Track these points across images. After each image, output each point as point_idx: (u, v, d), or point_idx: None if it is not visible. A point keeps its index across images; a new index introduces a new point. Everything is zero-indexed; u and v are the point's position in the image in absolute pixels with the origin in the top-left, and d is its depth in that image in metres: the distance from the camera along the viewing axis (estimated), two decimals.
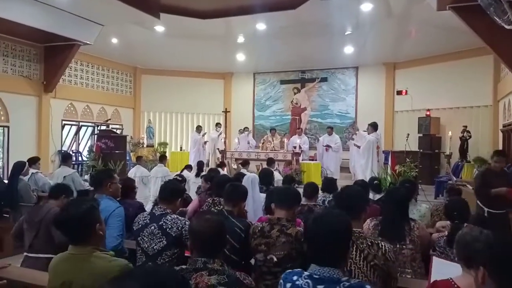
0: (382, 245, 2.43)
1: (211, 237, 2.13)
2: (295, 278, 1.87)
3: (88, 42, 11.18)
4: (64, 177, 6.97)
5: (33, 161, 7.38)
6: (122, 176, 10.09)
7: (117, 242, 3.16)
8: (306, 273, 1.86)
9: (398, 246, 3.17)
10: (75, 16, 10.21)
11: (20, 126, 11.24)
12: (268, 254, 2.81)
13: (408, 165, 8.45)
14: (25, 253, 3.64)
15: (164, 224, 2.97)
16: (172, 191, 3.27)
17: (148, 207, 6.78)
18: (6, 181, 7.26)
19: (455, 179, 8.52)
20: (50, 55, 11.64)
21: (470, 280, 2.05)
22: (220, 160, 11.81)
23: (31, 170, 7.10)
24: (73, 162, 10.50)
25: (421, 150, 11.47)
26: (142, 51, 14.03)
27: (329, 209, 3.44)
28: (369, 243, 2.43)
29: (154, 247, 2.94)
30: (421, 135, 12.24)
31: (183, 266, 2.15)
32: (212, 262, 2.06)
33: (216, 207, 3.86)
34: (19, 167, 6.74)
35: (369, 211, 3.85)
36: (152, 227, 2.98)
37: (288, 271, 1.98)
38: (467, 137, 11.07)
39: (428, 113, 12.32)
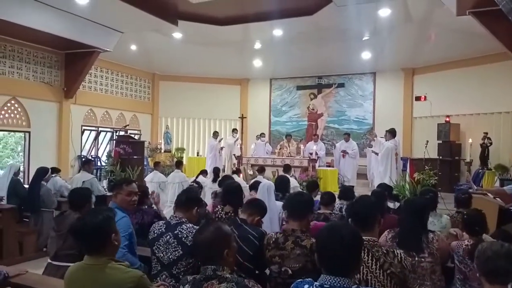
0: (397, 253, 2.45)
1: (206, 247, 2.14)
2: (306, 286, 1.90)
3: (107, 49, 11.38)
4: (83, 182, 7.09)
5: (55, 171, 7.56)
6: (140, 181, 10.19)
7: (120, 254, 3.06)
8: (317, 283, 1.88)
9: (416, 259, 3.11)
10: (95, 23, 10.41)
11: (41, 131, 11.47)
12: (282, 266, 2.79)
13: (427, 173, 8.29)
14: (49, 260, 3.69)
15: (179, 233, 2.97)
16: (188, 200, 3.24)
17: (165, 211, 6.84)
18: (26, 186, 7.41)
19: (475, 187, 8.34)
20: (71, 62, 11.87)
21: None
22: (236, 167, 11.81)
23: (52, 175, 7.26)
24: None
25: (440, 157, 11.27)
26: (160, 57, 14.20)
27: (340, 221, 3.42)
28: (385, 251, 2.44)
29: (170, 257, 2.93)
30: (440, 141, 12.04)
31: (196, 276, 2.16)
32: (221, 270, 2.07)
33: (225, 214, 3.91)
34: (42, 173, 6.87)
35: (387, 221, 3.81)
36: (168, 236, 2.97)
37: (298, 280, 2.00)
38: (488, 144, 10.85)
39: (447, 119, 12.12)
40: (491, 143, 10.87)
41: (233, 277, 2.07)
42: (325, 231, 1.98)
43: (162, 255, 2.96)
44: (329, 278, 1.85)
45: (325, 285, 1.85)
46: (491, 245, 2.28)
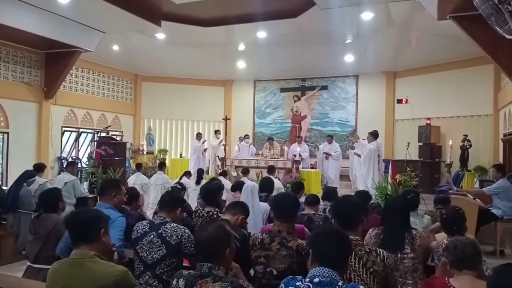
0: (380, 252, 2.50)
1: (209, 244, 2.15)
2: (298, 283, 1.96)
3: (89, 49, 11.21)
4: (65, 183, 6.97)
5: (41, 168, 7.36)
6: (122, 183, 10.02)
7: (119, 244, 3.19)
8: (307, 278, 1.95)
9: (399, 255, 3.16)
10: (76, 23, 10.25)
11: (20, 132, 11.23)
12: (268, 267, 2.78)
13: (409, 174, 8.40)
14: (28, 264, 3.62)
15: (163, 232, 2.95)
16: (172, 200, 3.26)
17: (148, 213, 6.78)
18: (4, 188, 7.23)
19: (455, 188, 8.49)
20: (51, 62, 11.66)
21: (462, 281, 2.33)
22: (224, 168, 11.76)
23: (40, 180, 7.06)
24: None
25: (421, 159, 11.45)
26: (143, 58, 14.06)
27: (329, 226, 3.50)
28: (367, 250, 2.48)
29: (154, 256, 2.90)
30: (421, 144, 12.23)
31: (191, 271, 2.16)
32: (217, 269, 2.08)
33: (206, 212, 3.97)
34: (27, 176, 6.72)
35: (370, 221, 3.86)
36: (152, 236, 2.95)
37: (289, 277, 2.05)
38: (468, 146, 11.07)
39: (428, 122, 12.33)
40: (470, 145, 11.09)
41: (228, 277, 2.08)
42: (319, 236, 2.14)
43: (145, 254, 2.93)
44: (318, 269, 1.94)
45: (314, 280, 1.92)
46: (457, 238, 2.58)
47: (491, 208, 6.59)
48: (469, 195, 6.97)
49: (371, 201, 5.65)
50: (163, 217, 3.08)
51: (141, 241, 2.97)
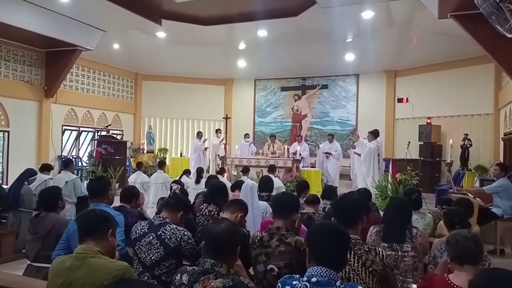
0: (379, 251, 2.49)
1: (220, 240, 2.18)
2: (294, 282, 1.96)
3: (89, 48, 11.21)
4: (66, 182, 6.92)
5: (47, 169, 7.34)
6: (122, 181, 10.04)
7: (121, 246, 3.20)
8: (304, 278, 1.95)
9: (400, 253, 3.16)
10: (77, 21, 10.25)
11: (21, 131, 11.23)
12: (268, 264, 2.77)
13: (409, 173, 8.40)
14: (28, 262, 3.62)
15: (162, 234, 2.91)
16: (177, 202, 3.23)
17: (149, 212, 6.77)
18: (5, 186, 7.23)
19: (455, 187, 8.48)
20: (52, 60, 11.66)
21: (463, 278, 2.28)
22: (220, 167, 11.77)
23: (43, 177, 7.04)
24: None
25: (422, 158, 11.43)
26: (143, 57, 14.06)
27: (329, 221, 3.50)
28: (367, 249, 2.47)
29: (152, 258, 2.88)
30: (422, 143, 12.22)
31: (195, 268, 2.18)
32: (219, 266, 2.10)
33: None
34: (28, 174, 6.71)
35: (371, 220, 3.86)
36: (150, 237, 2.92)
37: (286, 275, 2.06)
38: (468, 145, 11.03)
39: (429, 121, 12.30)
40: (471, 145, 11.05)
41: (229, 274, 2.10)
42: (320, 225, 2.16)
43: (144, 256, 2.90)
44: (316, 268, 1.94)
45: (312, 279, 1.92)
46: (459, 231, 2.51)
47: (491, 207, 6.58)
48: (469, 194, 6.96)
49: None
50: (163, 217, 3.05)
51: (139, 241, 2.94)
